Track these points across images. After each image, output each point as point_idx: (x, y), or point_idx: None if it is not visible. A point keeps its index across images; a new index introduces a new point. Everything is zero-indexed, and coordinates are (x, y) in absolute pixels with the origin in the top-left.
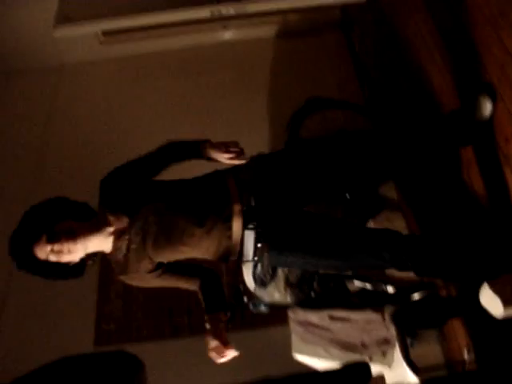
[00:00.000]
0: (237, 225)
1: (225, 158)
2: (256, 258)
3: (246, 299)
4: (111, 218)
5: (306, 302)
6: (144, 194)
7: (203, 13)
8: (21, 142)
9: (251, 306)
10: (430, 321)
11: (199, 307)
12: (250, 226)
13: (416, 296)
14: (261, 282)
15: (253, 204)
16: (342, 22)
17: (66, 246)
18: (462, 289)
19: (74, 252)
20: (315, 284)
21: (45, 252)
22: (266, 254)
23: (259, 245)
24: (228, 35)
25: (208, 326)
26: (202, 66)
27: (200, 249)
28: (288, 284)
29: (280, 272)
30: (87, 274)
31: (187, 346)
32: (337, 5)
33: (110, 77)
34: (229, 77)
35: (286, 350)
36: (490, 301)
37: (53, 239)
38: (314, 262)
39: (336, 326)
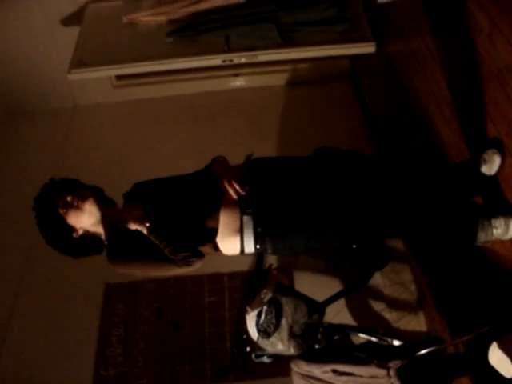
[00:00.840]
0: None
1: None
2: (258, 246)
3: (248, 349)
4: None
5: (309, 354)
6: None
7: (215, 61)
8: (33, 180)
9: (254, 356)
10: (437, 378)
11: (200, 355)
12: (248, 211)
13: (423, 352)
14: (264, 331)
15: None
16: (351, 73)
17: (75, 201)
18: (471, 347)
19: (80, 210)
20: (319, 336)
21: (62, 201)
22: (267, 239)
23: (259, 229)
24: (239, 82)
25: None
26: (213, 112)
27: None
28: (292, 335)
29: (284, 322)
30: (88, 315)
31: None
32: (346, 55)
33: (122, 119)
34: (239, 123)
35: None
36: (500, 360)
37: (67, 192)
38: (316, 238)
39: (340, 381)
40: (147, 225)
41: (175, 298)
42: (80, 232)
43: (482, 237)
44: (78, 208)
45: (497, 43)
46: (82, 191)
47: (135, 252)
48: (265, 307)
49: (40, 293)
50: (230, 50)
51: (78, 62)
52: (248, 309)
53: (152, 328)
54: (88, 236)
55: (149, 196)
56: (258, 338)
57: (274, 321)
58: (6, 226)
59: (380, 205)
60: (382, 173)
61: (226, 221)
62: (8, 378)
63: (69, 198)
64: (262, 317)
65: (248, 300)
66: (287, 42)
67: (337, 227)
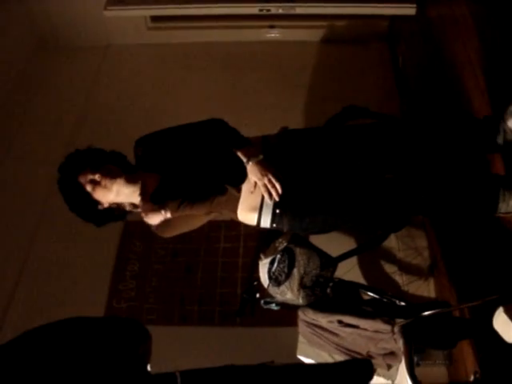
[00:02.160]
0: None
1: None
2: (274, 225)
3: (258, 295)
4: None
5: (317, 303)
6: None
7: (252, 9)
8: (60, 114)
9: (262, 303)
10: (440, 340)
11: (211, 298)
12: None
13: (428, 313)
14: (275, 279)
15: None
16: (388, 35)
17: (103, 180)
18: (476, 311)
19: (108, 190)
20: (329, 289)
21: (85, 179)
22: (285, 220)
23: (278, 210)
24: (274, 34)
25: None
26: (244, 62)
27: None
28: (302, 285)
29: (296, 272)
30: (105, 250)
31: (193, 334)
32: (386, 14)
33: (154, 62)
34: (269, 75)
35: (292, 350)
36: (503, 326)
37: (95, 169)
38: (333, 219)
39: (344, 332)
40: (163, 212)
41: (191, 240)
42: (106, 205)
43: (502, 208)
44: (105, 187)
45: None
46: (110, 169)
47: None
48: (278, 255)
49: (59, 226)
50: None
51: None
52: (262, 256)
53: (166, 267)
54: (113, 208)
55: (164, 155)
56: (268, 286)
57: (285, 270)
58: (28, 165)
59: (402, 187)
60: (404, 144)
61: (248, 195)
62: (24, 304)
63: (97, 177)
64: (275, 265)
65: (263, 248)
66: None
67: (355, 212)
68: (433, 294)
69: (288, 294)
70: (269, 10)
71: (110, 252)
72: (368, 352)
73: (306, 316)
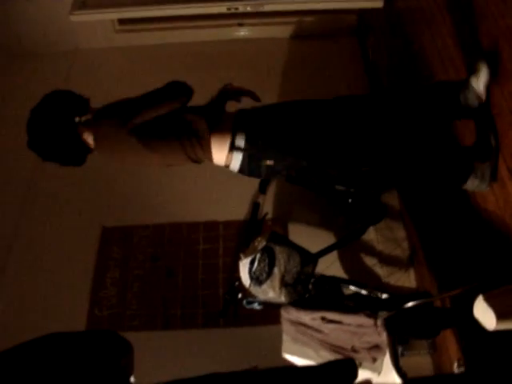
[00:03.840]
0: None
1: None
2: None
3: (240, 296)
4: None
5: (299, 301)
6: None
7: (220, 8)
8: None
9: (245, 303)
10: (423, 330)
11: (193, 300)
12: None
13: (410, 304)
14: (256, 279)
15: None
16: (357, 29)
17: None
18: (457, 300)
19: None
20: (311, 286)
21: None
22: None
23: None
24: (243, 32)
25: None
26: (215, 61)
27: None
28: (283, 283)
29: (276, 271)
30: (84, 257)
31: (177, 338)
32: (353, 8)
33: (123, 64)
34: (240, 73)
35: (277, 349)
36: (483, 313)
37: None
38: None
39: (327, 328)
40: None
41: (170, 243)
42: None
43: (470, 184)
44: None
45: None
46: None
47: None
48: (258, 255)
49: (37, 235)
50: None
51: (80, 4)
52: (242, 256)
53: (146, 272)
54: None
55: None
56: (250, 285)
57: (266, 269)
58: (3, 170)
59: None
60: (374, 110)
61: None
62: (4, 317)
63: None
64: (255, 264)
65: (242, 248)
66: None
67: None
68: (413, 285)
69: (270, 292)
70: (237, 9)
71: (88, 259)
72: (352, 346)
73: (289, 314)
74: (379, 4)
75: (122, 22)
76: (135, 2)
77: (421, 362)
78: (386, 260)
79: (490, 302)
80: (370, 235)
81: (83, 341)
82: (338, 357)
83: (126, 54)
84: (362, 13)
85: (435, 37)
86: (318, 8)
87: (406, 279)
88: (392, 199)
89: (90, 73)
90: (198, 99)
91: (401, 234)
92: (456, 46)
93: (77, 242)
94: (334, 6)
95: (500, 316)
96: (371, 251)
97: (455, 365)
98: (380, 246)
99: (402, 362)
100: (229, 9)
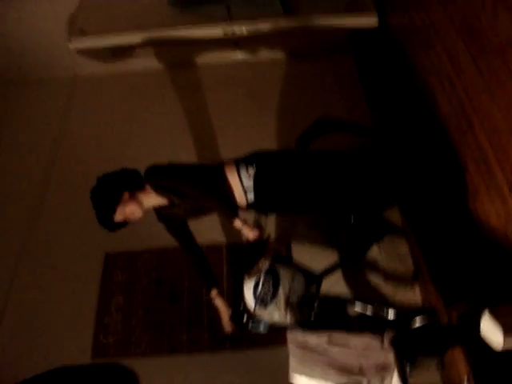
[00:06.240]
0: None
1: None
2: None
3: (245, 318)
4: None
5: (305, 323)
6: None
7: (216, 31)
8: (31, 150)
9: (250, 326)
10: (430, 348)
11: (198, 324)
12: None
13: (417, 322)
14: (261, 300)
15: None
16: (353, 46)
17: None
18: (464, 316)
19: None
20: (316, 306)
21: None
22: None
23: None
24: (240, 55)
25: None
26: (213, 84)
27: None
28: (288, 304)
29: (281, 292)
30: (87, 285)
31: (184, 363)
32: (349, 28)
33: (122, 90)
34: (238, 95)
35: (284, 371)
36: (490, 333)
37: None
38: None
39: (334, 350)
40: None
41: (174, 268)
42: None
43: None
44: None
45: (500, 15)
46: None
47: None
48: (262, 276)
49: (40, 261)
50: (232, 19)
51: (79, 31)
52: (246, 277)
53: (150, 297)
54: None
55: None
56: (255, 307)
57: (271, 290)
58: (6, 196)
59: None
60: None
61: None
62: (8, 344)
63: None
64: (260, 286)
65: (246, 270)
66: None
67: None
68: (419, 301)
69: (276, 314)
70: (234, 34)
71: (92, 286)
72: (360, 367)
73: (296, 337)
74: (374, 23)
75: (119, 48)
76: (131, 27)
77: (430, 378)
78: (391, 277)
79: (496, 318)
80: (374, 253)
81: (90, 375)
82: (346, 377)
83: (124, 79)
84: (357, 31)
85: (430, 54)
86: (313, 27)
87: (412, 295)
88: (394, 216)
89: (89, 99)
90: (200, 123)
91: (404, 250)
92: (451, 61)
93: (80, 269)
94: (328, 24)
95: (507, 333)
96: (375, 268)
97: (464, 380)
98: (384, 263)
99: (411, 380)
100: (226, 34)
